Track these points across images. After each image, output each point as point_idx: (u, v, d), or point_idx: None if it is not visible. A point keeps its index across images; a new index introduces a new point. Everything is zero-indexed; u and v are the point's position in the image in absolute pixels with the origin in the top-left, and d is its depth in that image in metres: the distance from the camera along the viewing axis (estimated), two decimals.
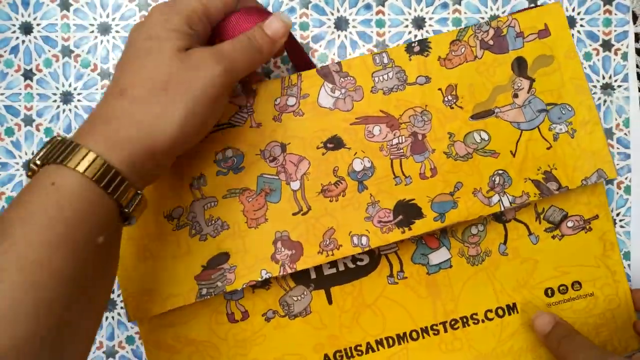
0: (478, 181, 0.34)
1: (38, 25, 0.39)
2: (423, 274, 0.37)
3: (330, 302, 0.36)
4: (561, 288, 0.37)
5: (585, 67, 0.39)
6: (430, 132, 0.35)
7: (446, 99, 0.35)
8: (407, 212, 0.34)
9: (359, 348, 0.37)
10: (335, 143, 0.35)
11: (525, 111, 0.35)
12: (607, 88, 0.39)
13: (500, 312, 0.37)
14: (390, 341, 0.37)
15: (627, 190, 0.39)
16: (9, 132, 0.39)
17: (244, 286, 0.33)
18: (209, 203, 0.34)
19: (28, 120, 0.39)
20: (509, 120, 0.35)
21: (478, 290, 0.37)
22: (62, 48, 0.39)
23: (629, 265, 0.38)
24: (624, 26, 0.39)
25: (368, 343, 0.37)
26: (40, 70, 0.39)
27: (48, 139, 0.34)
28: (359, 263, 0.37)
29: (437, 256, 0.37)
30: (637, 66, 0.39)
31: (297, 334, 0.36)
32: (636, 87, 0.39)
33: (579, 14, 0.39)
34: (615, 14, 0.39)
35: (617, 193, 0.39)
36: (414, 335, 0.37)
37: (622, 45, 0.39)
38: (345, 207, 0.34)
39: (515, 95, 0.35)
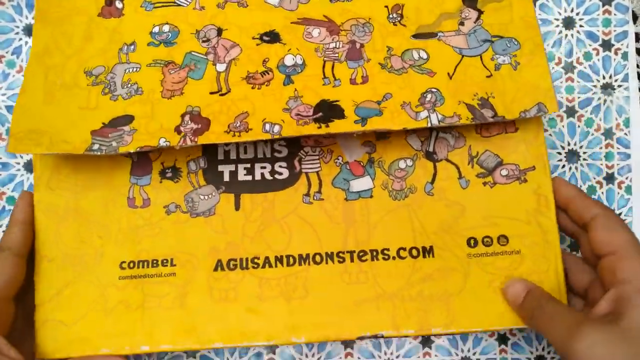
0: (409, 95, 0.32)
1: None
2: (341, 198, 0.34)
3: (237, 208, 0.34)
4: (485, 240, 0.33)
5: (585, 67, 0.39)
6: (369, 43, 0.34)
7: (391, 15, 0.34)
8: (328, 110, 0.32)
9: (256, 260, 0.33)
10: (271, 37, 0.34)
11: (470, 39, 0.34)
12: (607, 88, 0.39)
13: (414, 252, 0.33)
14: (291, 260, 0.33)
15: (628, 190, 0.39)
16: None
17: (138, 150, 0.31)
18: (132, 68, 0.33)
19: None
20: (451, 44, 0.34)
21: (395, 225, 0.34)
22: None
23: None
24: (624, 26, 0.39)
25: (267, 257, 0.33)
26: None
27: None
28: (277, 176, 0.34)
29: (359, 184, 0.34)
30: (638, 66, 0.38)
31: (195, 233, 0.33)
32: (636, 87, 0.38)
33: (577, 14, 0.39)
34: (615, 14, 0.39)
35: (618, 193, 0.38)
36: (317, 259, 0.33)
37: (622, 45, 0.39)
38: (266, 95, 0.33)
39: (462, 24, 0.34)
